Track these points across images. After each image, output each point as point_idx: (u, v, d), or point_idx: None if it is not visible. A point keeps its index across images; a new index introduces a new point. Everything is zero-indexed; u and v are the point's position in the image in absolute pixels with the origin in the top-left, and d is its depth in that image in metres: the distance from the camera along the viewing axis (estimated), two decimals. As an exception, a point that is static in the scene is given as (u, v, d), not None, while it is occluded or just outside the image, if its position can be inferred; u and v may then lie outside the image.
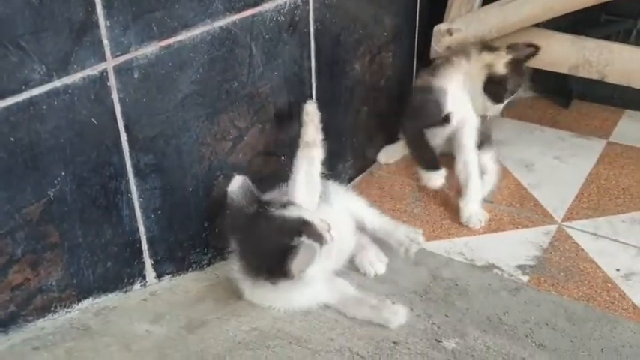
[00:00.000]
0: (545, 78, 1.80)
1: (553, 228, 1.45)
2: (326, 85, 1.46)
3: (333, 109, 1.50)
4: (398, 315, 1.12)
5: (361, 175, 1.70)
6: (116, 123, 1.03)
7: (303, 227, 1.06)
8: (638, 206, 1.51)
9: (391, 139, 1.75)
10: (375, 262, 1.30)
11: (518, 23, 1.59)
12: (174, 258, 1.22)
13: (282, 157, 1.39)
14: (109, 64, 0.99)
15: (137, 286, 1.17)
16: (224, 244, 1.20)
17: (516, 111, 1.91)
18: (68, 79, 0.94)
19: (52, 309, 1.05)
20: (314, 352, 1.05)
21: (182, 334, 1.08)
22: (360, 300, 1.15)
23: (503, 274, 1.31)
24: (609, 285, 1.27)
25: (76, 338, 1.03)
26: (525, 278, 1.30)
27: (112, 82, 1.00)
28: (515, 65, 1.50)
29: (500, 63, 1.49)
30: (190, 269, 1.26)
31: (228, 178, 1.15)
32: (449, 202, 1.56)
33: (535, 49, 1.50)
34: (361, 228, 1.32)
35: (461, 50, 1.58)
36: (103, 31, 0.96)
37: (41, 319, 1.04)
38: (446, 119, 1.54)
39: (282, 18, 1.27)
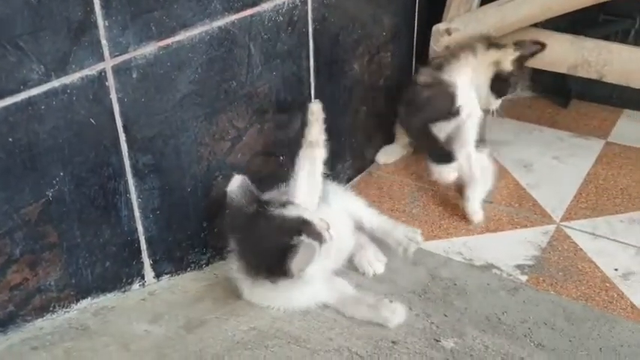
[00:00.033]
0: (544, 78, 1.80)
1: (552, 228, 1.45)
2: (325, 85, 1.46)
3: (332, 109, 1.49)
4: (396, 314, 1.12)
5: (360, 175, 1.70)
6: (115, 123, 1.03)
7: (303, 226, 1.06)
8: (637, 206, 1.51)
9: (390, 139, 1.75)
10: (374, 262, 1.30)
11: (516, 23, 1.59)
12: (173, 258, 1.22)
13: (281, 157, 1.39)
14: (108, 64, 0.99)
15: (136, 286, 1.17)
16: (223, 243, 1.20)
17: (515, 111, 1.91)
18: (66, 79, 0.94)
19: (51, 309, 1.05)
20: (313, 352, 1.05)
21: (181, 334, 1.08)
22: (359, 300, 1.15)
23: (502, 273, 1.31)
24: (608, 285, 1.27)
25: (74, 338, 1.03)
26: (524, 278, 1.30)
27: (111, 82, 1.00)
28: (521, 62, 1.52)
29: (508, 60, 1.51)
30: (189, 269, 1.26)
31: (226, 178, 1.15)
32: (448, 202, 1.56)
33: (541, 46, 1.52)
34: (360, 228, 1.32)
35: (466, 46, 1.58)
36: (102, 31, 0.96)
37: (40, 319, 1.04)
38: (456, 112, 1.54)
39: (281, 18, 1.27)
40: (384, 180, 1.67)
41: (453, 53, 1.58)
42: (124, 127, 1.05)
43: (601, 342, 1.12)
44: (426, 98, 1.55)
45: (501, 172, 1.63)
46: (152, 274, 1.19)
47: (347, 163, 1.64)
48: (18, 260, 0.97)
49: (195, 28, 1.10)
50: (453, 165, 1.50)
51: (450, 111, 1.54)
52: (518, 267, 1.33)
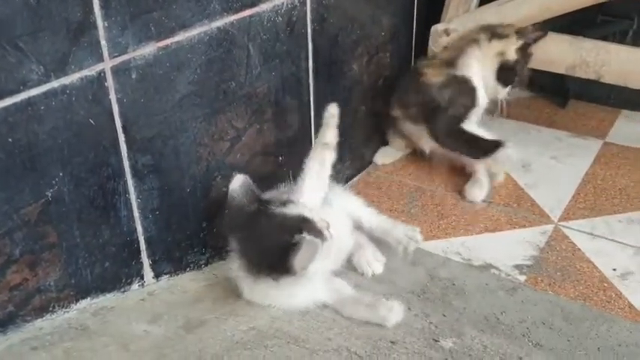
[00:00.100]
0: (542, 78, 1.80)
1: (550, 228, 1.46)
2: (324, 86, 1.46)
3: (331, 110, 1.50)
4: (393, 312, 1.12)
5: (359, 175, 1.70)
6: (114, 123, 1.03)
7: (304, 224, 1.07)
8: (635, 206, 1.51)
9: (387, 140, 1.75)
10: (373, 262, 1.30)
11: (515, 23, 1.59)
12: (172, 258, 1.22)
13: (280, 158, 1.39)
14: (107, 64, 0.99)
15: (135, 286, 1.17)
16: (222, 243, 1.20)
17: (513, 111, 1.90)
18: (66, 80, 0.94)
19: (50, 309, 1.05)
20: (312, 352, 1.05)
21: (180, 334, 1.08)
22: (357, 300, 1.16)
23: (501, 273, 1.32)
24: (606, 285, 1.27)
25: (74, 338, 1.03)
26: (522, 278, 1.30)
27: (110, 82, 1.00)
28: (525, 49, 1.53)
29: (512, 49, 1.52)
30: (188, 269, 1.26)
31: (225, 179, 1.15)
32: (446, 202, 1.57)
33: (544, 33, 1.53)
34: (358, 227, 1.32)
35: (470, 38, 1.58)
36: (101, 32, 0.97)
37: (39, 320, 1.04)
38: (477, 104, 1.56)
39: (280, 18, 1.27)
40: (383, 180, 1.68)
41: (460, 47, 1.58)
42: (124, 127, 1.05)
43: (599, 341, 1.12)
44: (448, 98, 1.55)
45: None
46: (151, 274, 1.19)
47: (346, 163, 1.64)
48: (18, 260, 0.97)
49: (194, 28, 1.10)
50: (509, 143, 1.50)
51: (473, 105, 1.55)
52: (517, 267, 1.33)
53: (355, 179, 1.68)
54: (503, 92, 1.58)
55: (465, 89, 1.55)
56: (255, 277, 1.11)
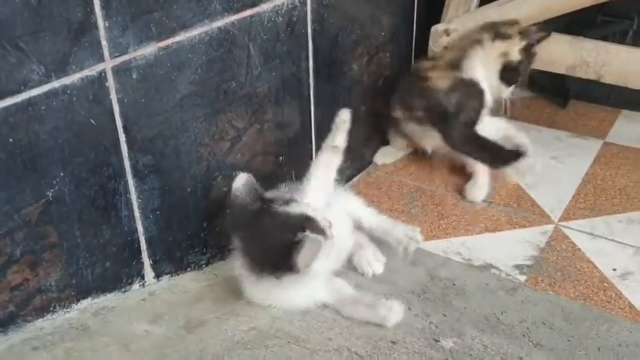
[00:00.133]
0: (542, 78, 1.80)
1: (550, 228, 1.46)
2: (324, 86, 1.46)
3: (331, 110, 1.49)
4: (393, 311, 1.12)
5: (359, 175, 1.70)
6: (115, 123, 1.03)
7: (307, 222, 1.07)
8: (635, 206, 1.51)
9: (388, 140, 1.76)
10: (373, 262, 1.30)
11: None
12: (173, 258, 1.22)
13: (280, 158, 1.39)
14: (108, 64, 0.99)
15: (136, 286, 1.17)
16: (223, 243, 1.20)
17: (514, 111, 1.91)
18: (67, 80, 0.95)
19: (51, 309, 1.05)
20: (312, 352, 1.05)
21: (181, 334, 1.08)
22: (357, 300, 1.16)
23: (501, 273, 1.32)
24: (606, 285, 1.28)
25: (74, 338, 1.03)
26: (523, 278, 1.30)
27: (111, 82, 1.01)
28: (529, 50, 1.53)
29: (515, 50, 1.52)
30: (189, 269, 1.26)
31: (226, 179, 1.15)
32: (446, 202, 1.57)
33: (547, 33, 1.53)
34: (358, 227, 1.32)
35: (472, 39, 1.58)
36: (102, 32, 0.97)
37: (40, 320, 1.04)
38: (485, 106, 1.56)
39: (280, 19, 1.27)
40: (383, 180, 1.68)
41: (463, 48, 1.58)
42: (124, 127, 1.05)
43: (599, 341, 1.12)
44: (456, 103, 1.53)
45: (500, 173, 1.63)
46: (152, 274, 1.19)
47: (346, 163, 1.63)
48: (18, 260, 0.97)
49: (194, 28, 1.10)
50: (527, 159, 1.49)
51: (482, 107, 1.54)
52: (517, 267, 1.33)
53: (355, 179, 1.68)
54: (507, 92, 1.58)
55: (473, 92, 1.53)
56: (257, 275, 1.11)
